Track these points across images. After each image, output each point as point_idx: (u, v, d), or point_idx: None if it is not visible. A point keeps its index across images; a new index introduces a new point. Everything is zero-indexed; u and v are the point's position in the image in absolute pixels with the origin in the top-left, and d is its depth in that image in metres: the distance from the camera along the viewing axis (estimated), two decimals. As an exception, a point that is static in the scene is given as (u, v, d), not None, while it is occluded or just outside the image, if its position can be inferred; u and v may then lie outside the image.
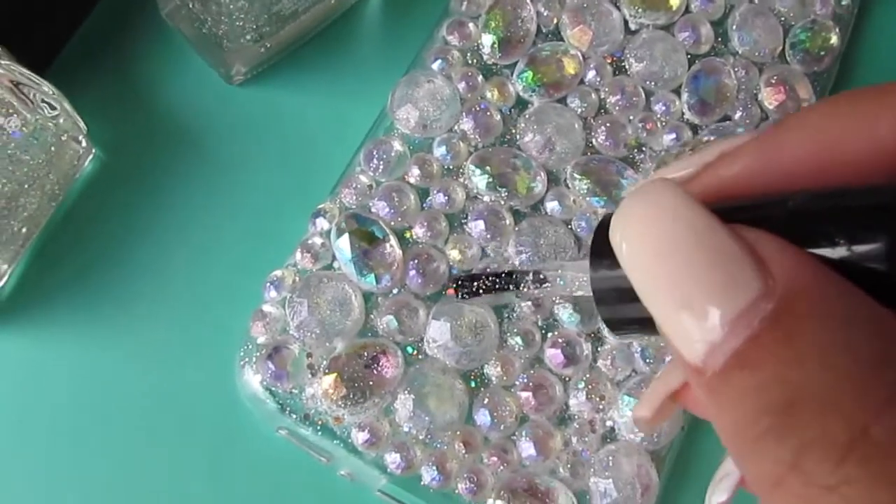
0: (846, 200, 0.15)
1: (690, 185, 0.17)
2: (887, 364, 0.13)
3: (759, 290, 0.14)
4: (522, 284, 0.24)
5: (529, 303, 0.28)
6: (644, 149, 0.30)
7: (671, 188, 0.15)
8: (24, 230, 0.27)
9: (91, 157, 0.28)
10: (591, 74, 0.31)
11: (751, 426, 0.14)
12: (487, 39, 0.31)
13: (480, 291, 0.25)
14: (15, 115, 0.24)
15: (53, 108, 0.25)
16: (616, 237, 0.16)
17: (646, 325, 0.16)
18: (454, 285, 0.26)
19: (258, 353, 0.26)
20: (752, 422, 0.14)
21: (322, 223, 0.28)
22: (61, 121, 0.26)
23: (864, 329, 0.13)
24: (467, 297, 0.25)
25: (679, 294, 0.14)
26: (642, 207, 0.15)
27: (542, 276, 0.24)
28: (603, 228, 0.17)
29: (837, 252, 0.14)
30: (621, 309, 0.17)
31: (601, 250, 0.17)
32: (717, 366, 0.14)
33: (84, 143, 0.27)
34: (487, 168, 0.29)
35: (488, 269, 0.27)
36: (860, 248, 0.14)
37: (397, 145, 0.29)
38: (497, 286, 0.25)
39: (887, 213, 0.14)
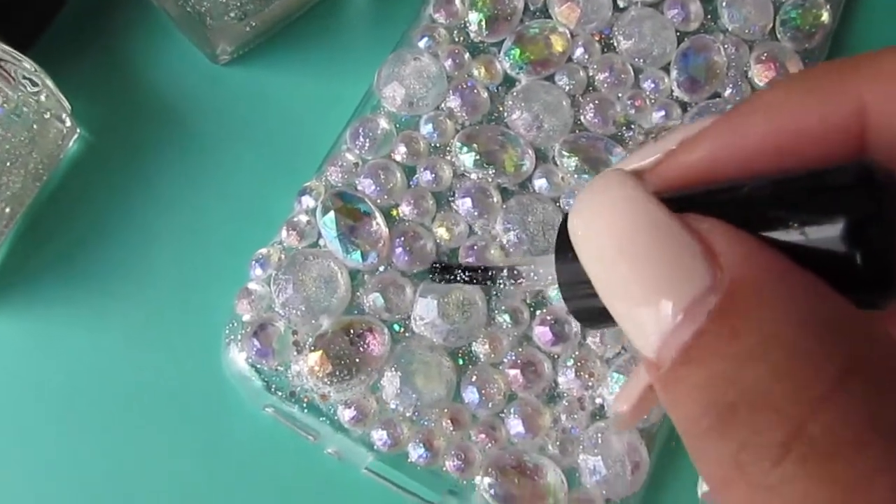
0: (801, 183, 0.15)
1: (652, 173, 0.17)
2: (827, 358, 0.13)
3: (708, 283, 0.14)
4: (498, 280, 0.24)
5: (517, 280, 0.28)
6: (633, 126, 0.30)
7: (622, 179, 0.15)
8: (7, 210, 0.27)
9: (76, 136, 0.28)
10: (579, 52, 0.31)
11: (697, 424, 0.13)
12: (474, 17, 0.30)
13: (456, 279, 0.25)
14: (-4, 92, 0.24)
15: (35, 85, 0.25)
16: (572, 230, 0.16)
17: (612, 317, 0.16)
18: (431, 268, 0.26)
19: (243, 331, 0.26)
20: (698, 420, 0.13)
21: (308, 201, 0.28)
22: (43, 98, 0.25)
23: (808, 322, 0.13)
24: (441, 282, 0.25)
25: (631, 287, 0.14)
26: (595, 200, 0.15)
27: (516, 272, 0.24)
28: (566, 222, 0.17)
29: (793, 237, 0.14)
30: (587, 301, 0.17)
31: (565, 244, 0.17)
32: (668, 361, 0.14)
33: (68, 123, 0.27)
34: (475, 146, 0.29)
35: (465, 263, 0.27)
36: (815, 232, 0.14)
37: (384, 123, 0.29)
38: (473, 280, 0.25)
39: (841, 195, 0.14)
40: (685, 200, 0.15)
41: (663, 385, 0.14)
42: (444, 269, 0.25)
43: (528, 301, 0.28)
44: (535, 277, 0.23)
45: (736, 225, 0.14)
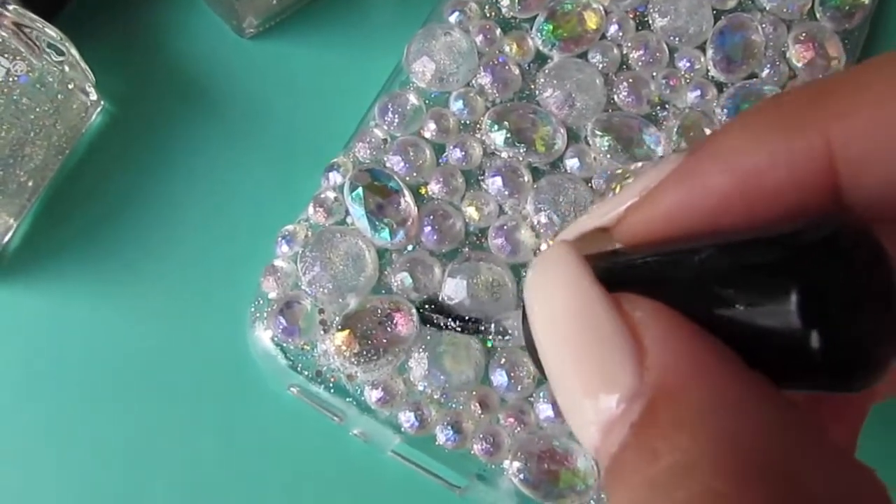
0: (754, 249, 0.13)
1: (616, 230, 0.16)
2: (750, 499, 0.11)
3: (632, 388, 0.12)
4: (486, 333, 0.24)
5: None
6: (667, 106, 0.29)
7: (568, 258, 0.14)
8: (30, 183, 0.26)
9: (100, 109, 0.28)
10: (613, 29, 0.30)
11: None
12: (506, -8, 0.30)
13: (442, 326, 0.25)
14: (20, 60, 0.23)
15: (60, 54, 0.24)
16: (525, 301, 0.15)
17: None
18: (420, 307, 0.25)
19: (269, 309, 0.26)
20: None
21: (335, 177, 0.27)
22: (67, 68, 0.25)
23: (733, 450, 0.12)
24: (426, 324, 0.25)
25: (565, 375, 0.14)
26: (539, 278, 0.14)
27: (502, 328, 0.24)
28: None
29: (742, 316, 0.12)
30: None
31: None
32: (607, 457, 0.13)
33: (93, 95, 0.27)
34: (505, 123, 0.28)
35: (458, 313, 0.26)
36: (765, 312, 0.12)
37: (413, 99, 0.28)
38: (461, 329, 0.25)
39: (797, 261, 0.12)
40: (636, 269, 0.14)
41: (606, 478, 0.13)
42: (435, 312, 0.25)
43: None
44: (519, 335, 0.21)
45: (682, 303, 0.13)
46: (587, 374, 0.13)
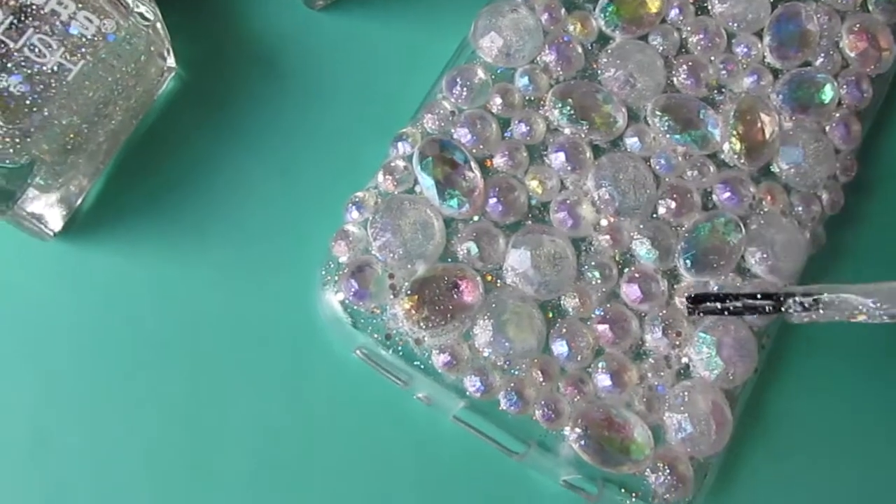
0: None
1: None
2: None
3: None
4: (785, 306, 0.23)
5: (607, 236, 0.28)
6: (724, 90, 0.30)
7: None
8: (105, 145, 0.27)
9: (173, 74, 0.28)
10: (673, 13, 0.30)
11: None
12: (571, -28, 0.30)
13: (720, 309, 0.24)
14: (109, 19, 0.24)
15: (147, 19, 0.25)
16: None
17: None
18: (688, 301, 0.25)
19: (341, 272, 0.26)
20: None
21: (404, 147, 0.28)
22: (151, 32, 0.25)
23: None
24: (701, 313, 0.24)
25: None
26: None
27: (814, 299, 0.22)
28: None
29: None
30: None
31: None
32: None
33: (170, 60, 0.27)
34: (569, 101, 0.29)
35: (733, 291, 0.25)
36: None
37: (480, 73, 0.29)
38: (747, 307, 0.24)
39: None
40: None
41: None
42: (698, 303, 0.25)
43: (616, 258, 0.28)
44: (840, 304, 0.21)
45: None
46: None
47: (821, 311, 0.21)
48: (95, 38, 0.24)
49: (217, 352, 0.27)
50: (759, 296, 0.23)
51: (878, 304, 0.20)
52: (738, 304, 0.24)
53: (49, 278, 0.27)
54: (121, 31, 0.24)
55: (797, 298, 0.22)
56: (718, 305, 0.24)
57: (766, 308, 0.22)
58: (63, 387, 0.27)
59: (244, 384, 0.27)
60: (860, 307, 0.20)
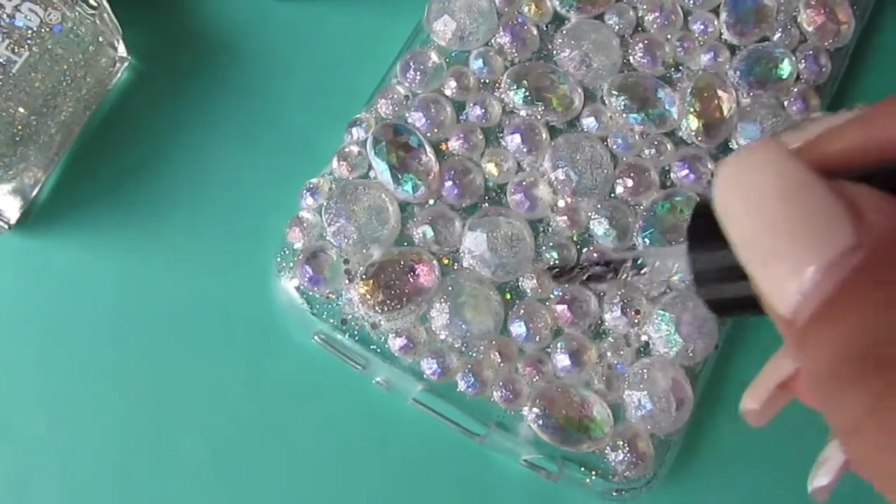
0: None
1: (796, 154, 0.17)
2: None
3: (852, 240, 0.14)
4: (621, 271, 0.25)
5: (565, 217, 0.28)
6: (681, 67, 0.30)
7: (775, 145, 0.15)
8: (58, 137, 0.27)
9: (126, 64, 0.28)
10: (629, -9, 0.30)
11: (836, 373, 0.14)
12: (525, -46, 0.30)
13: (579, 278, 0.26)
14: (54, 9, 0.24)
15: (93, 7, 0.25)
16: (718, 190, 0.16)
17: (746, 304, 0.16)
18: (552, 272, 0.26)
19: (296, 258, 0.26)
20: (835, 371, 0.14)
21: (358, 132, 0.28)
22: (98, 21, 0.25)
23: None
24: (566, 283, 0.25)
25: (774, 244, 0.15)
26: (745, 161, 0.16)
27: (639, 263, 0.24)
28: (699, 210, 0.17)
29: None
30: (721, 288, 0.17)
31: (699, 231, 0.17)
32: (806, 316, 0.14)
33: (120, 50, 0.27)
34: (524, 82, 0.29)
35: (585, 259, 0.27)
36: None
37: (434, 57, 0.29)
38: (596, 274, 0.25)
39: None
40: (830, 174, 0.15)
41: (798, 342, 0.15)
42: (561, 272, 0.26)
43: (574, 238, 0.28)
44: (660, 267, 0.23)
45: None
46: (796, 240, 0.14)
47: (645, 273, 0.23)
48: (41, 29, 0.24)
49: (176, 340, 0.27)
50: (600, 264, 0.24)
51: (675, 264, 0.22)
52: (584, 271, 0.25)
53: (6, 270, 0.27)
54: (67, 22, 0.24)
55: (628, 265, 0.23)
56: (572, 275, 0.25)
57: (608, 275, 0.24)
58: (23, 378, 0.27)
59: (204, 371, 0.27)
60: (674, 267, 0.22)
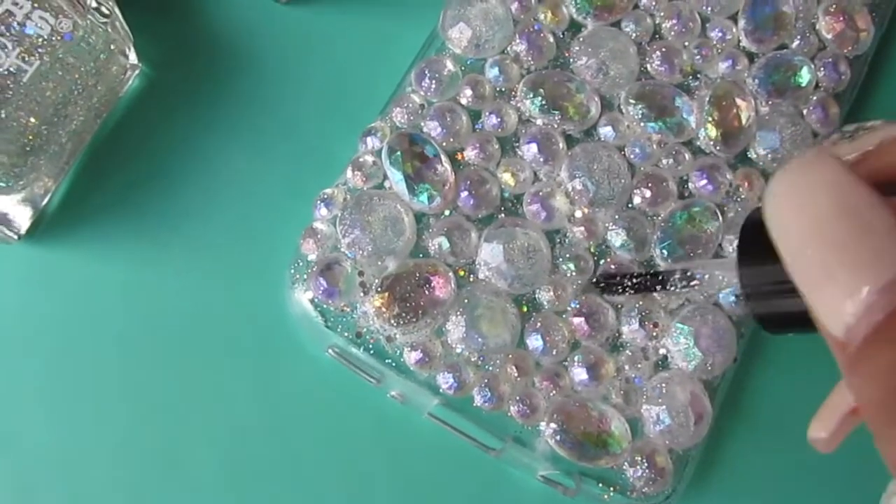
0: None
1: (856, 171, 0.17)
2: None
3: None
4: (670, 284, 0.24)
5: (582, 227, 0.27)
6: (699, 75, 0.30)
7: (830, 160, 0.15)
8: (69, 146, 0.26)
9: (137, 72, 0.28)
10: (646, -2, 0.30)
11: (884, 407, 0.13)
12: (541, -40, 0.30)
13: (625, 291, 0.26)
14: (65, 18, 0.23)
15: (105, 15, 0.24)
16: (770, 209, 0.15)
17: (796, 320, 0.16)
18: (597, 283, 0.26)
19: (309, 270, 0.26)
20: (886, 402, 0.13)
21: (373, 142, 0.27)
22: (110, 29, 0.25)
23: None
24: (609, 293, 0.26)
25: (828, 263, 0.14)
26: (800, 176, 0.15)
27: (689, 275, 0.24)
28: (750, 224, 0.17)
29: None
30: (771, 304, 0.17)
31: (750, 245, 0.17)
32: (859, 339, 0.14)
33: (132, 58, 0.27)
34: (541, 91, 0.28)
35: (634, 271, 0.27)
36: None
37: (449, 65, 0.28)
38: (643, 285, 0.25)
39: None
40: (889, 188, 0.15)
41: (851, 365, 0.14)
42: (607, 283, 0.26)
43: (591, 250, 0.27)
44: (710, 280, 0.22)
45: None
46: (857, 258, 0.14)
47: (695, 285, 0.23)
48: (52, 38, 0.24)
49: (188, 352, 0.27)
50: (649, 275, 0.25)
51: (724, 278, 0.22)
52: (633, 283, 0.25)
53: (16, 280, 0.27)
54: (78, 30, 0.24)
55: (677, 276, 0.23)
56: (619, 287, 0.26)
57: (656, 287, 0.25)
58: (31, 388, 0.26)
59: (216, 384, 0.27)
60: (724, 279, 0.22)
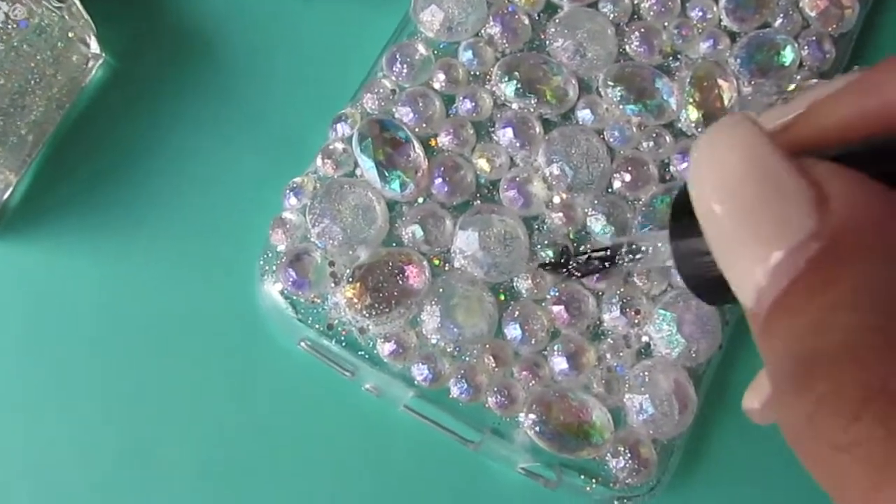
0: None
1: (785, 135, 0.16)
2: None
3: (811, 229, 0.13)
4: (618, 257, 0.24)
5: (560, 213, 0.27)
6: (679, 56, 0.29)
7: (747, 123, 0.14)
8: (30, 137, 0.26)
9: (101, 62, 0.27)
10: (624, -22, 0.29)
11: (781, 376, 0.13)
12: (515, -60, 0.29)
13: (573, 274, 0.25)
14: (20, 4, 0.23)
15: (60, 1, 0.24)
16: (690, 170, 0.15)
17: (728, 291, 0.15)
18: (543, 265, 0.26)
19: (279, 262, 0.25)
20: (782, 371, 0.13)
21: (343, 129, 0.27)
22: (66, 16, 0.24)
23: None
24: (562, 278, 0.25)
25: (737, 230, 0.14)
26: (714, 139, 0.14)
27: (634, 247, 0.23)
28: (682, 193, 0.16)
29: None
30: (701, 275, 0.16)
31: (679, 214, 0.17)
32: (764, 308, 0.13)
33: (93, 47, 0.26)
34: (516, 74, 0.27)
35: (583, 249, 0.26)
36: None
37: (421, 49, 0.28)
38: (590, 271, 0.25)
39: None
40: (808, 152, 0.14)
41: (758, 335, 0.14)
42: (555, 265, 0.25)
43: (570, 236, 0.27)
44: (654, 252, 0.22)
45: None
46: (763, 223, 0.13)
47: (640, 258, 0.22)
48: (7, 25, 0.23)
49: (157, 347, 0.26)
50: (596, 252, 0.24)
51: (666, 250, 0.21)
52: (579, 264, 0.25)
53: (-22, 278, 0.26)
54: (34, 17, 0.23)
55: (623, 250, 0.23)
56: (566, 269, 0.25)
57: (604, 264, 0.24)
58: (-2, 389, 0.26)
59: (186, 379, 0.26)
60: (665, 252, 0.21)
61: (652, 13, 0.29)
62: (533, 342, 0.26)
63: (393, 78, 0.27)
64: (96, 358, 0.26)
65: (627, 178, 0.27)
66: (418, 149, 0.26)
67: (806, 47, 0.29)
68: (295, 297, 0.25)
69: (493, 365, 0.25)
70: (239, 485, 0.26)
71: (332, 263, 0.25)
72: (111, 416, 0.26)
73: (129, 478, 0.25)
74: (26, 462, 0.25)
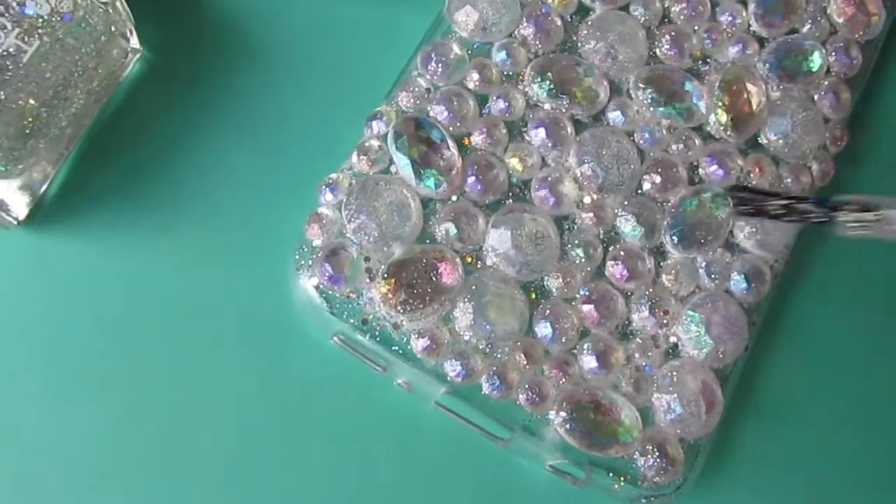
0: None
1: None
2: None
3: None
4: (839, 216, 0.20)
5: (591, 214, 0.27)
6: (709, 60, 0.29)
7: None
8: (69, 130, 0.26)
9: (138, 56, 0.27)
10: (655, -18, 0.30)
11: None
12: (548, -57, 0.29)
13: (761, 210, 0.22)
14: (65, -2, 0.23)
15: (104, -5, 0.24)
16: None
17: None
18: (732, 193, 0.23)
19: (315, 256, 0.25)
20: None
21: (378, 126, 0.27)
22: (110, 11, 0.24)
23: None
24: (744, 212, 0.22)
25: None
26: None
27: (837, 204, 0.20)
28: None
29: None
30: None
31: None
32: None
33: (133, 41, 0.26)
34: (549, 75, 0.28)
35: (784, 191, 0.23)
36: None
37: (456, 48, 0.28)
38: (802, 212, 0.21)
39: None
40: None
41: None
42: (743, 199, 0.22)
43: (600, 236, 0.27)
44: (889, 218, 0.19)
45: None
46: None
47: (872, 227, 0.19)
48: (52, 18, 0.23)
49: (189, 340, 0.26)
50: (808, 199, 0.20)
51: None
52: (784, 204, 0.21)
53: (14, 267, 0.27)
54: (78, 11, 0.23)
55: (851, 209, 0.19)
56: (762, 207, 0.22)
57: (817, 216, 0.20)
58: (31, 379, 0.26)
59: (218, 373, 0.26)
60: None
61: (682, 17, 0.29)
62: (563, 340, 0.26)
63: (428, 76, 0.28)
64: (129, 350, 0.26)
65: (657, 179, 0.27)
66: (452, 147, 0.26)
67: (833, 53, 0.30)
68: (330, 292, 0.25)
69: (525, 362, 0.25)
70: (268, 476, 0.26)
71: (367, 259, 0.25)
72: (143, 409, 0.26)
73: (160, 469, 0.26)
74: (55, 452, 0.26)
